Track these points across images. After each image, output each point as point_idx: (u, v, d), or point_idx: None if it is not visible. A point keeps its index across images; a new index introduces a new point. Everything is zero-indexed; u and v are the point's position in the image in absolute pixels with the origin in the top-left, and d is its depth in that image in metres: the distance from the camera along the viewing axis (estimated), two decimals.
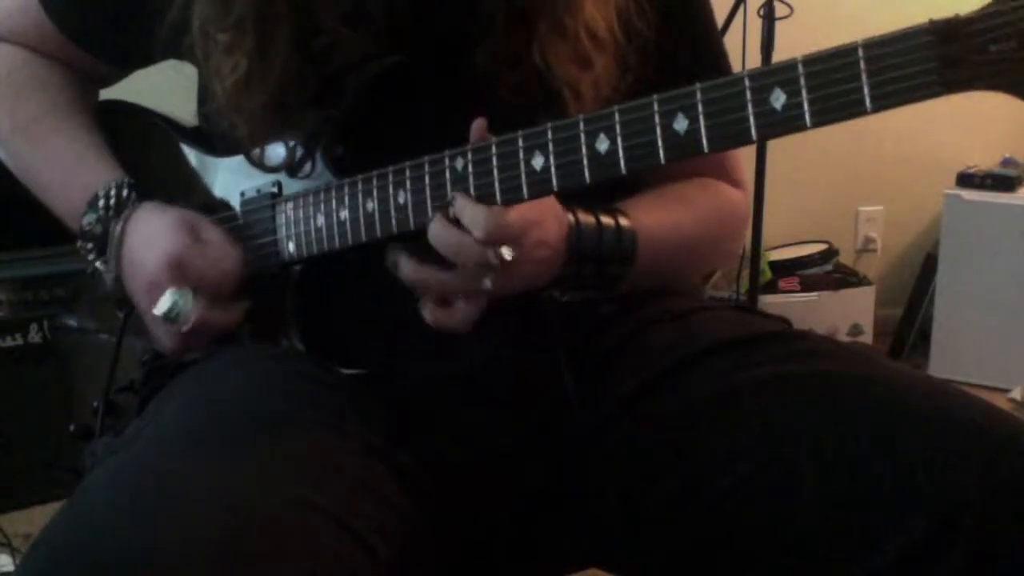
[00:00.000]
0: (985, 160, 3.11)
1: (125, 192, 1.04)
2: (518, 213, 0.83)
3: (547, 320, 0.96)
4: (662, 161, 0.75)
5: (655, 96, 0.75)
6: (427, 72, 0.93)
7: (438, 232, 0.84)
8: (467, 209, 0.83)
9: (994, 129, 3.18)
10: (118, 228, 1.01)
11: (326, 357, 0.96)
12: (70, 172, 1.08)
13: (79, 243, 1.06)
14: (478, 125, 0.84)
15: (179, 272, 0.95)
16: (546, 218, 0.87)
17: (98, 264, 1.05)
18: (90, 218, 1.04)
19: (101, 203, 1.04)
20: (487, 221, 0.81)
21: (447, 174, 0.85)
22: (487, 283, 0.84)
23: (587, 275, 0.91)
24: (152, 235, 0.99)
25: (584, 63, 0.92)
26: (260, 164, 0.98)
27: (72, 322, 1.18)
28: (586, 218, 0.90)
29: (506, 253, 0.82)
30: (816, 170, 3.19)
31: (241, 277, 0.98)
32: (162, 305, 0.94)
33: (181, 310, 0.94)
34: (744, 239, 1.20)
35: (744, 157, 1.13)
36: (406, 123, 0.93)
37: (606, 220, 0.92)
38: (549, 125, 0.80)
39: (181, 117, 1.12)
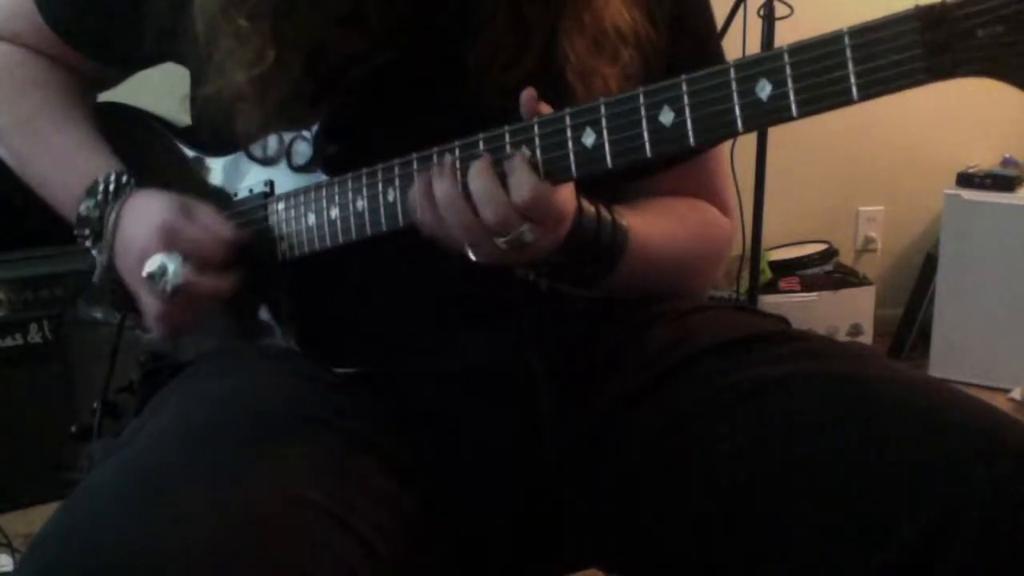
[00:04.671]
0: (985, 160, 3.11)
1: (124, 179, 1.04)
2: (562, 199, 0.82)
3: (532, 317, 0.96)
4: (648, 154, 0.75)
5: (640, 89, 0.75)
6: (421, 70, 0.93)
7: (477, 175, 0.81)
8: (519, 171, 0.80)
9: (994, 129, 3.18)
10: (113, 213, 1.02)
11: (321, 357, 0.96)
12: (68, 163, 1.08)
13: (75, 231, 1.06)
14: (528, 95, 0.81)
15: (169, 238, 0.95)
16: (572, 210, 0.86)
17: (94, 252, 1.05)
18: (87, 204, 1.04)
19: (100, 188, 1.04)
20: (533, 192, 0.79)
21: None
22: (501, 243, 0.82)
23: (574, 264, 0.90)
24: (144, 212, 0.99)
25: (588, 71, 0.92)
26: (261, 157, 0.98)
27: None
28: (588, 207, 0.90)
29: (528, 234, 0.81)
30: (816, 170, 3.19)
31: (232, 247, 0.98)
32: (150, 265, 0.93)
33: (169, 272, 0.93)
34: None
35: (744, 157, 1.13)
36: (400, 121, 0.93)
37: (604, 214, 0.91)
38: (536, 120, 0.80)
39: (176, 118, 1.12)
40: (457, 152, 0.83)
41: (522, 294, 0.94)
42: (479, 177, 0.81)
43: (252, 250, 0.99)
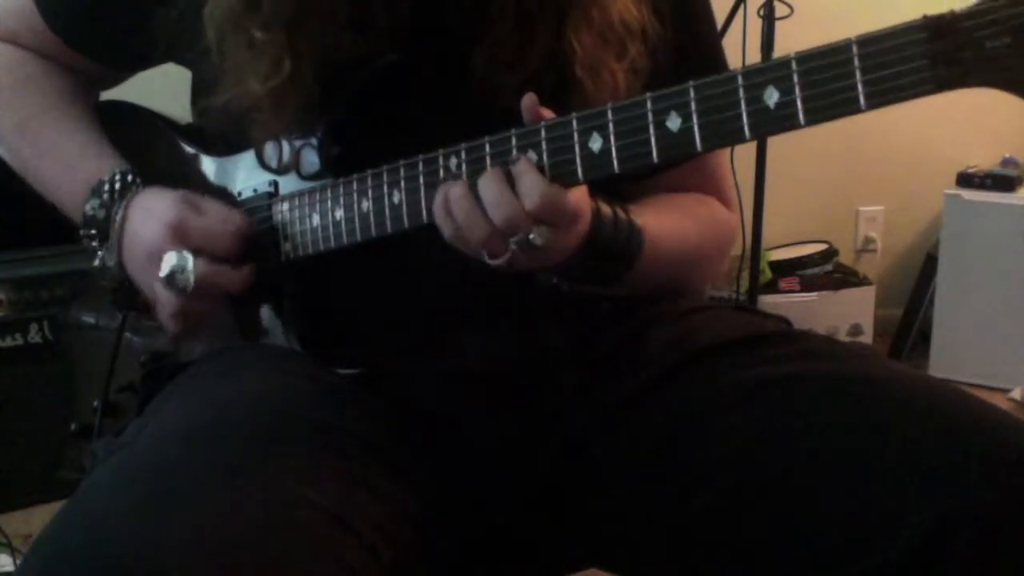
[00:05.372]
0: (985, 160, 3.11)
1: (129, 178, 1.04)
2: (575, 198, 0.81)
3: (546, 317, 0.96)
4: (655, 160, 0.75)
5: (648, 94, 0.75)
6: (426, 72, 0.93)
7: (487, 184, 0.81)
8: (527, 176, 0.80)
9: (994, 129, 3.18)
10: (120, 212, 1.01)
11: (324, 358, 0.96)
12: (72, 163, 1.08)
13: (81, 231, 1.06)
14: (528, 101, 0.81)
15: (180, 236, 0.95)
16: (588, 210, 0.85)
17: (100, 252, 1.05)
18: (93, 204, 1.04)
19: (106, 188, 1.04)
20: (543, 195, 0.79)
21: (441, 173, 0.84)
22: (512, 246, 0.81)
23: (592, 267, 0.90)
24: (152, 209, 0.99)
25: (597, 66, 0.92)
26: (275, 167, 0.98)
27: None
28: (605, 209, 0.89)
29: (538, 238, 0.80)
30: (816, 170, 3.19)
31: (244, 237, 0.98)
32: (167, 263, 0.93)
33: (184, 271, 0.93)
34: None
35: (744, 157, 1.13)
36: (405, 123, 0.93)
37: (621, 214, 0.91)
38: (542, 124, 0.80)
39: (180, 118, 1.12)
40: (464, 155, 0.83)
41: (536, 295, 0.94)
42: (487, 181, 0.81)
43: (256, 250, 0.99)
